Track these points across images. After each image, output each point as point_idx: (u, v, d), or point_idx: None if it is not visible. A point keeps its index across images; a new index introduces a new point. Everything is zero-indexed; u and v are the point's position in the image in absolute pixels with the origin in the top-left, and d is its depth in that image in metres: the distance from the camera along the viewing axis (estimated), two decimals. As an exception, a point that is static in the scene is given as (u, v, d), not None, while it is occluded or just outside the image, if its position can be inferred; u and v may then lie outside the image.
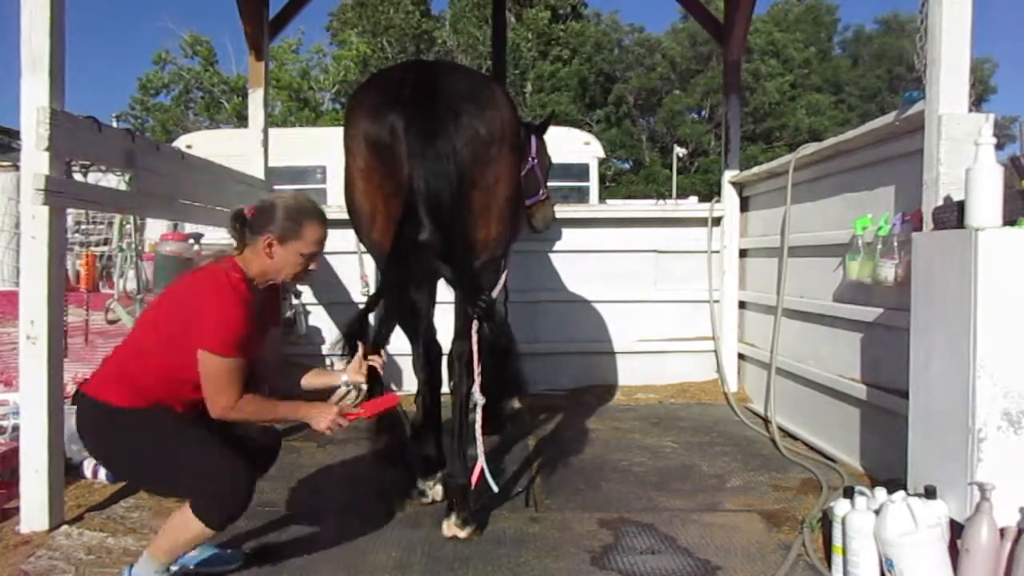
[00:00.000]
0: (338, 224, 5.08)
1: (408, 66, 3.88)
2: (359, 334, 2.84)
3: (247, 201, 5.08)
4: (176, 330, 2.44)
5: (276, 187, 5.88)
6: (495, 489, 3.04)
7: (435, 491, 3.25)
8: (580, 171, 9.38)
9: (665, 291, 5.80)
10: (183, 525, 2.39)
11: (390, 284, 2.87)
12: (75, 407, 2.55)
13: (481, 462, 2.98)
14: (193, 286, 2.50)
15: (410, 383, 4.20)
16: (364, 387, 3.02)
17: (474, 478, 2.99)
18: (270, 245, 2.54)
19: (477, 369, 2.98)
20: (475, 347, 2.98)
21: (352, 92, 3.55)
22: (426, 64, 3.28)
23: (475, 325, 2.96)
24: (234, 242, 2.62)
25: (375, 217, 2.99)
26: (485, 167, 2.92)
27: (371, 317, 2.89)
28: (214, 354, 2.39)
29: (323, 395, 5.10)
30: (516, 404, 5.08)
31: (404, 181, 2.78)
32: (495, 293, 3.18)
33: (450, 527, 2.93)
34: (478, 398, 2.99)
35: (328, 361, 5.32)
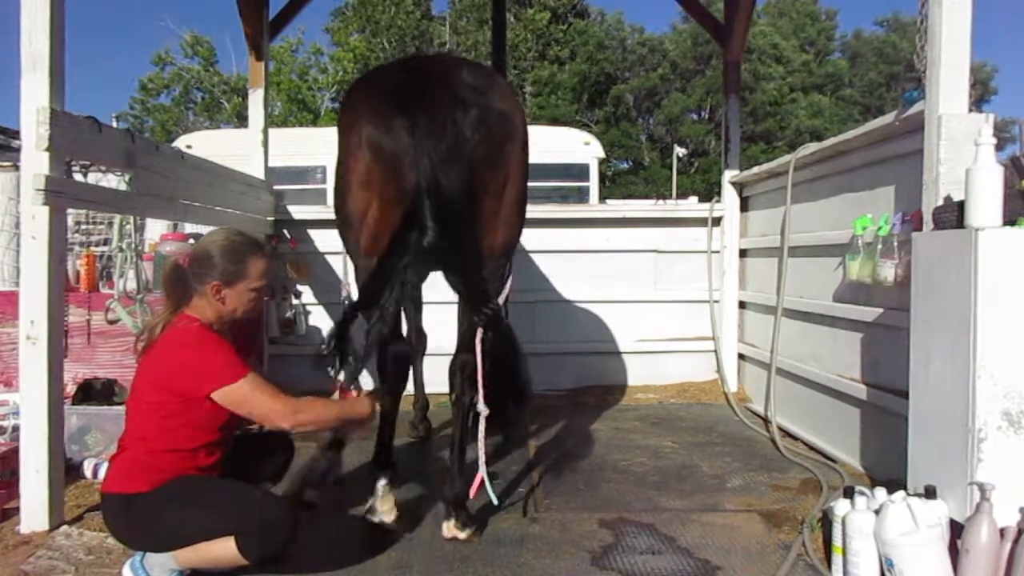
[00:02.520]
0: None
1: (408, 62, 3.68)
2: (343, 340, 2.68)
3: (247, 201, 5.12)
4: (171, 403, 2.42)
5: (276, 187, 5.90)
6: (495, 501, 2.99)
7: (389, 513, 2.91)
8: (580, 171, 9.39)
9: (665, 291, 5.80)
10: (219, 544, 2.38)
11: (382, 287, 2.66)
12: (101, 510, 2.56)
13: (482, 472, 2.93)
14: (166, 356, 2.46)
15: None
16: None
17: (474, 489, 2.94)
18: (218, 290, 2.53)
19: (481, 380, 2.89)
20: (479, 358, 2.88)
21: (348, 89, 3.40)
22: (428, 60, 3.13)
23: (480, 334, 2.86)
24: (170, 300, 2.55)
25: (371, 222, 2.81)
26: (496, 168, 2.81)
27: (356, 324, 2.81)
28: (231, 384, 2.38)
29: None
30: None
31: (409, 184, 2.62)
32: (501, 299, 3.02)
33: (450, 528, 2.91)
34: (481, 409, 2.91)
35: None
